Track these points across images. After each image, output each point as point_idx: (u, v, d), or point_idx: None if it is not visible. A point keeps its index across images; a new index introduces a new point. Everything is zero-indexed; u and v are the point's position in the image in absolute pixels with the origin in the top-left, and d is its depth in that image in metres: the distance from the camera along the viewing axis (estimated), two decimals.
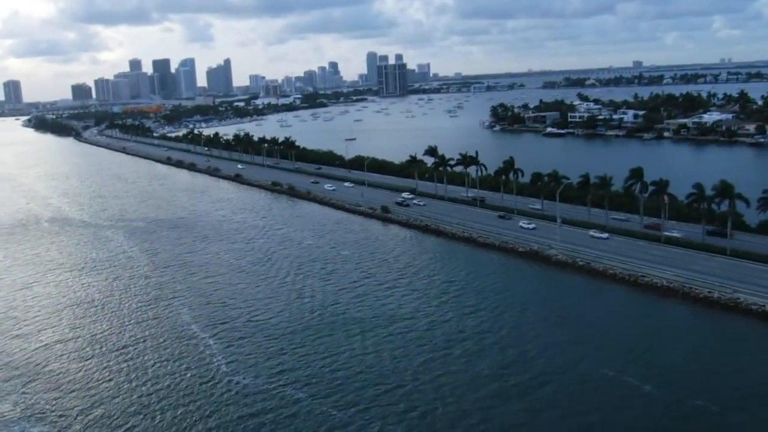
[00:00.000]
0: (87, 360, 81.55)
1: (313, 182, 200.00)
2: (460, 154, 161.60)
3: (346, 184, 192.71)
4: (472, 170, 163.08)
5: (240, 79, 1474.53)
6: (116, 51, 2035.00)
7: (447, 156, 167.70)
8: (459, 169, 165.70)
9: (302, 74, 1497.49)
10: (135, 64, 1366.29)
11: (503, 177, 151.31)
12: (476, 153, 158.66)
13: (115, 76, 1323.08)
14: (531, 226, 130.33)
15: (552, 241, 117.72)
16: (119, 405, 69.60)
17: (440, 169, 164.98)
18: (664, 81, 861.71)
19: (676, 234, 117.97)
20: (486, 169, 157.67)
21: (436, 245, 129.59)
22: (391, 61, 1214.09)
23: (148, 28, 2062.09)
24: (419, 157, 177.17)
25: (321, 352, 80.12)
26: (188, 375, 75.73)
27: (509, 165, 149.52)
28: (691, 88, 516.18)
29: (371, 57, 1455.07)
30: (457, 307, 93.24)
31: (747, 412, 63.14)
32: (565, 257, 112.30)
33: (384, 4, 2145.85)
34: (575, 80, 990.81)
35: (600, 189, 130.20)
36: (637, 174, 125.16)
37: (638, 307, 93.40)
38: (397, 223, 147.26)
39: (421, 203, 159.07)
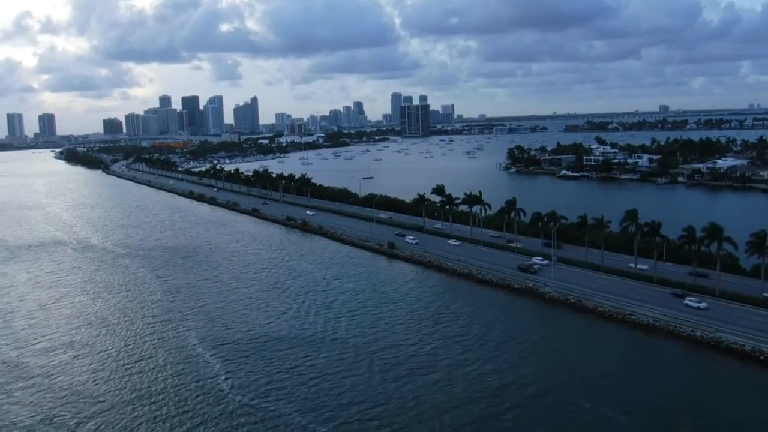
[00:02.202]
0: (97, 372, 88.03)
1: (398, 234, 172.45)
2: (465, 193, 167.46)
3: (451, 241, 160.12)
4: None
5: (266, 116, 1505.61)
6: (147, 87, 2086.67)
7: (455, 195, 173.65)
8: (464, 207, 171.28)
9: (328, 113, 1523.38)
10: (165, 101, 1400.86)
11: (506, 216, 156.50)
12: (480, 193, 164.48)
13: (145, 112, 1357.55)
14: (702, 305, 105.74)
15: None
16: (122, 413, 75.68)
17: (447, 207, 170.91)
18: (688, 126, 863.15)
19: (520, 245, 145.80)
20: (490, 208, 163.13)
21: (438, 281, 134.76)
22: (416, 101, 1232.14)
23: (178, 65, 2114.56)
24: (427, 196, 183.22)
25: (312, 372, 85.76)
26: (189, 389, 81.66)
27: (511, 205, 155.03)
28: (715, 134, 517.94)
29: (396, 97, 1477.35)
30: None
31: None
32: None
33: (409, 45, 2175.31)
34: (598, 124, 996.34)
35: (596, 230, 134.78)
36: (632, 216, 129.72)
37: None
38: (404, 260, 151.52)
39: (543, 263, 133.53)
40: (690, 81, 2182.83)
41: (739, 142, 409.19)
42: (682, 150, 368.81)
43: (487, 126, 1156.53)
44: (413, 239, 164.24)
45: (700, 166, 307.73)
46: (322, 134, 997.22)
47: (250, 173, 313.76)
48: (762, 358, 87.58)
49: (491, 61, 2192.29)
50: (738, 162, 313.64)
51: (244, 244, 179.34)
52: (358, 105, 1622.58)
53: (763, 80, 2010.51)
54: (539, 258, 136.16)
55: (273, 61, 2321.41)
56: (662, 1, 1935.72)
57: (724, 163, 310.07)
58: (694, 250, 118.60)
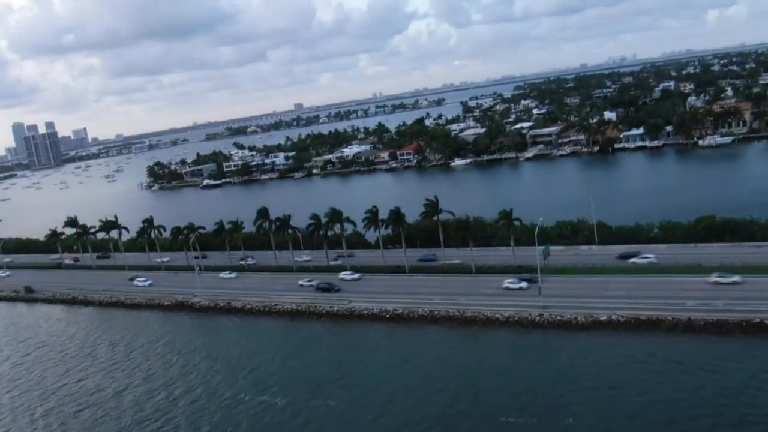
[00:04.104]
0: None
1: (129, 279, 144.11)
2: (100, 220, 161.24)
3: (223, 274, 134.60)
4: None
5: None
6: None
7: (94, 223, 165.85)
8: (102, 235, 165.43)
9: None
10: None
11: (146, 236, 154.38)
12: (115, 217, 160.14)
13: None
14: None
15: None
16: None
17: (84, 238, 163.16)
18: (321, 120, 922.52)
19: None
20: (128, 231, 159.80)
21: (87, 315, 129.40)
22: (42, 129, 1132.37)
23: None
24: (60, 229, 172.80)
25: None
26: None
27: (149, 223, 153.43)
28: (344, 125, 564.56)
29: (18, 128, 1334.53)
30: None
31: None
32: None
33: (22, 69, 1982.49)
34: (237, 129, 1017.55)
35: (234, 233, 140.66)
36: (264, 213, 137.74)
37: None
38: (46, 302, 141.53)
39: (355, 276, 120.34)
40: (318, 78, 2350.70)
41: (362, 130, 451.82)
42: (314, 144, 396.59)
43: (125, 146, 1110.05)
44: (144, 280, 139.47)
45: (330, 156, 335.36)
46: None
47: None
48: (387, 316, 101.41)
49: (119, 77, 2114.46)
50: (362, 148, 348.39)
51: None
52: None
53: (380, 70, 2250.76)
54: (347, 273, 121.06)
55: None
56: (278, 3, 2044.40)
57: (350, 150, 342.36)
58: (322, 235, 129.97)
